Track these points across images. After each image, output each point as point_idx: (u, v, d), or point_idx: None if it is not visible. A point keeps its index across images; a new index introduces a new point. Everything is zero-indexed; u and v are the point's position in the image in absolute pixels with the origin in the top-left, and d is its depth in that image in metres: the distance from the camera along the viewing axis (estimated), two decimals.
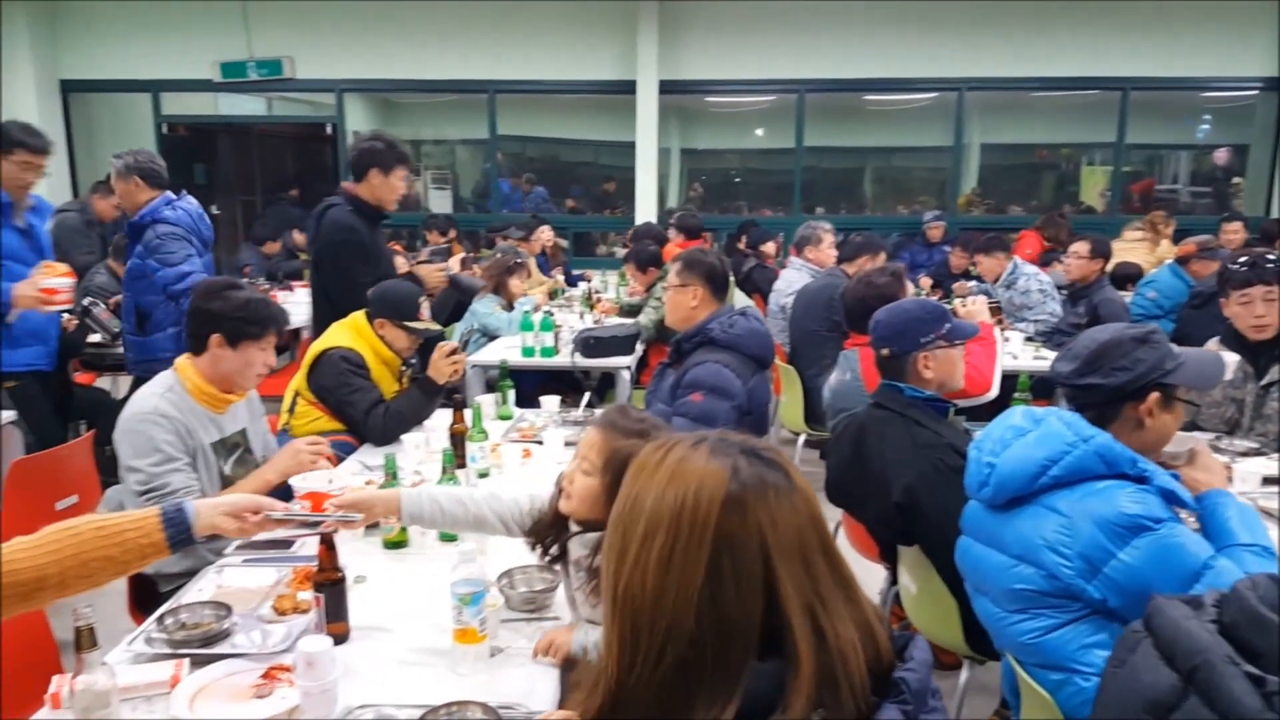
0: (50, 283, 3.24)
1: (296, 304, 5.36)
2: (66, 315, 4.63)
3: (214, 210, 10.22)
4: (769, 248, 6.54)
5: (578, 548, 1.69)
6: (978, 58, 8.13)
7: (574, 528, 1.69)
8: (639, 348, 4.60)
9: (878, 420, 2.33)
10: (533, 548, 1.76)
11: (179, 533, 1.56)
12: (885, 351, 2.35)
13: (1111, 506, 1.58)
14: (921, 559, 2.18)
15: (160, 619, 1.76)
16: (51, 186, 8.51)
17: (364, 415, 2.93)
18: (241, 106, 9.70)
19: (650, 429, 1.63)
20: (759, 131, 9.86)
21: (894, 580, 2.46)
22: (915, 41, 8.11)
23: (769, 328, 4.64)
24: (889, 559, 2.44)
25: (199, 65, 8.49)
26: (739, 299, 5.11)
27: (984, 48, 8.11)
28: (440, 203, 9.73)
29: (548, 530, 1.75)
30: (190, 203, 4.08)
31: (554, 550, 1.74)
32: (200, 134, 9.82)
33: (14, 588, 1.40)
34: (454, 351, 3.06)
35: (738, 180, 10.45)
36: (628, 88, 8.24)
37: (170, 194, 3.99)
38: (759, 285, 5.78)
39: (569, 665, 1.62)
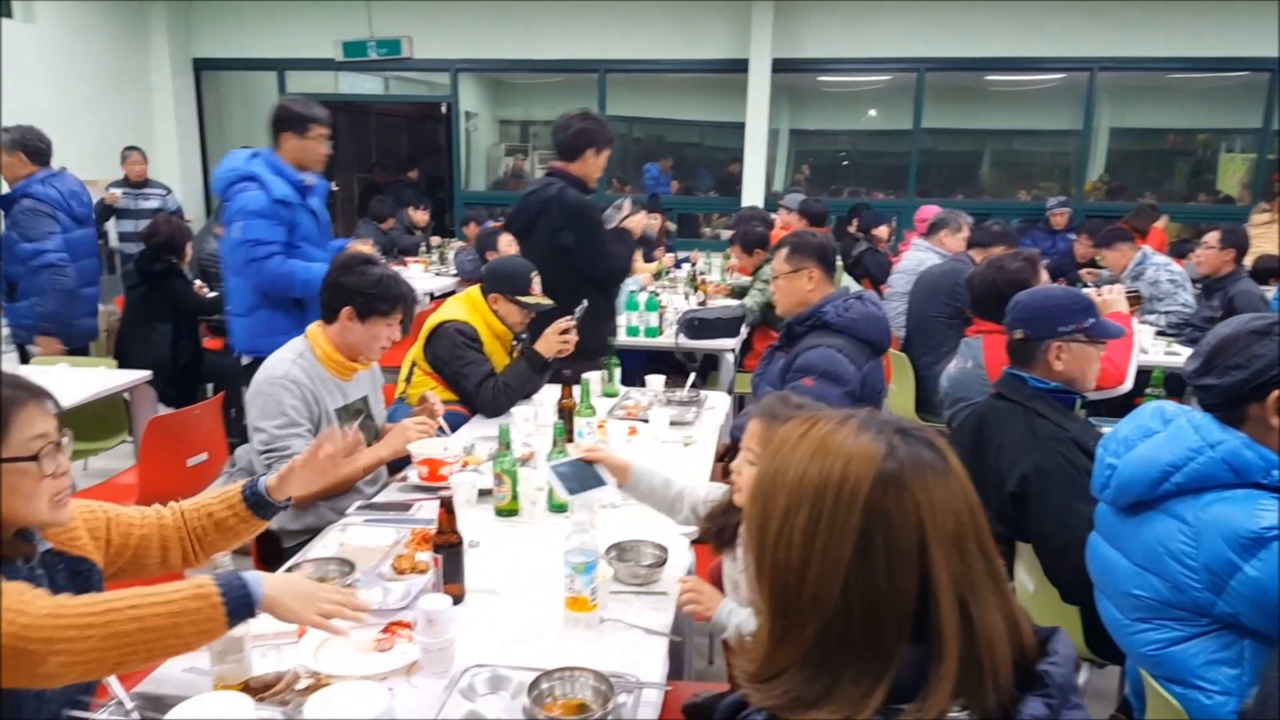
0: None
1: (411, 279, 5.51)
2: (198, 284, 4.90)
3: (333, 186, 10.63)
4: (881, 231, 6.38)
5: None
6: (1111, 36, 7.70)
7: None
8: (744, 330, 4.56)
9: (998, 411, 2.24)
10: (707, 537, 1.81)
11: (262, 506, 1.72)
12: (1019, 334, 2.23)
13: (1237, 517, 1.47)
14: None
15: (289, 571, 1.84)
16: (183, 161, 9.03)
17: (476, 387, 3.00)
18: (360, 86, 10.02)
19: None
20: (872, 112, 9.62)
21: (1009, 578, 2.38)
22: (1044, 19, 7.74)
23: (888, 310, 4.57)
24: (1006, 556, 2.36)
25: (322, 45, 8.80)
26: (846, 283, 5.00)
27: (1119, 25, 7.67)
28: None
29: (720, 518, 1.83)
30: (67, 180, 4.16)
31: (725, 537, 1.82)
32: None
33: (179, 543, 1.65)
34: (567, 330, 3.09)
35: (845, 163, 10.23)
36: (739, 66, 8.14)
37: (50, 170, 4.10)
38: (870, 269, 5.65)
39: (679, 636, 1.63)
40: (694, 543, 2.05)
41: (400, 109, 11.10)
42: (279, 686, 1.42)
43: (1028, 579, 2.20)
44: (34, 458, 1.31)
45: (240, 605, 1.31)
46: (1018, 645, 0.88)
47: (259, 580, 1.34)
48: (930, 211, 5.54)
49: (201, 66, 9.19)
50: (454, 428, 2.87)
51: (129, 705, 1.38)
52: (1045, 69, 8.26)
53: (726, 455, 2.95)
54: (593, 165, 3.54)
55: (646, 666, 1.55)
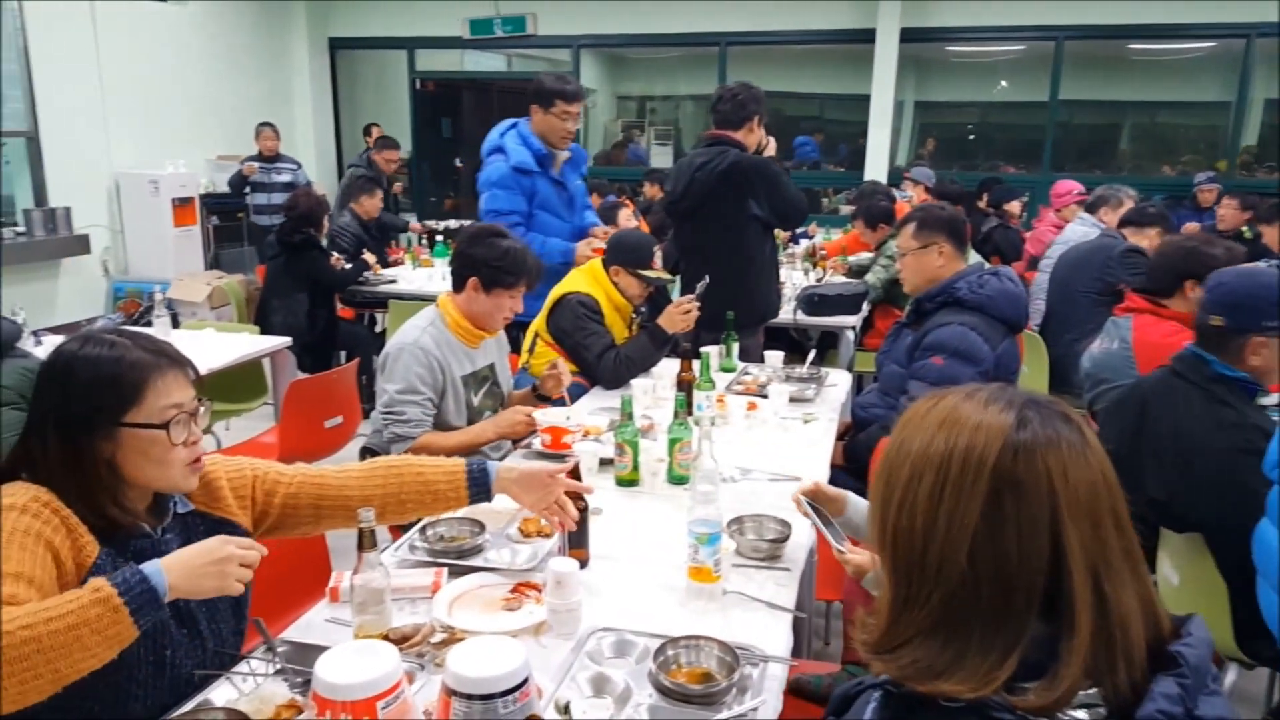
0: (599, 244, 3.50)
1: None
2: (335, 256, 5.13)
3: (457, 163, 10.92)
4: (1013, 207, 6.11)
5: None
6: None
7: None
8: (865, 307, 4.46)
9: (1171, 390, 2.10)
10: None
11: (479, 490, 1.74)
12: (1216, 321, 2.07)
13: None
14: (1191, 548, 1.98)
15: (422, 530, 1.92)
16: (318, 136, 9.42)
17: (596, 359, 3.03)
18: (484, 64, 10.22)
19: None
20: (1004, 83, 9.19)
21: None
22: None
23: (1038, 285, 4.40)
24: (1147, 544, 2.24)
25: (451, 23, 9.01)
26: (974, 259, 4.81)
27: None
28: (662, 158, 9.84)
29: None
30: None
31: None
32: (447, 89, 10.45)
33: (343, 505, 1.64)
34: (690, 308, 3.09)
35: (972, 136, 9.82)
36: (865, 37, 7.91)
37: None
38: (1000, 246, 5.43)
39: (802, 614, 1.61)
40: None
41: (522, 86, 11.26)
42: (416, 639, 1.49)
43: (1172, 572, 2.09)
44: (164, 426, 1.33)
45: (145, 601, 1.18)
46: (1153, 627, 0.85)
47: (159, 570, 1.21)
48: (1068, 186, 5.26)
49: (337, 46, 9.56)
50: (574, 398, 2.93)
51: (278, 649, 1.46)
52: (1196, 36, 7.70)
53: (848, 434, 2.91)
54: (756, 134, 3.54)
55: (771, 641, 1.54)
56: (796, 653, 1.87)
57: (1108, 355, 2.71)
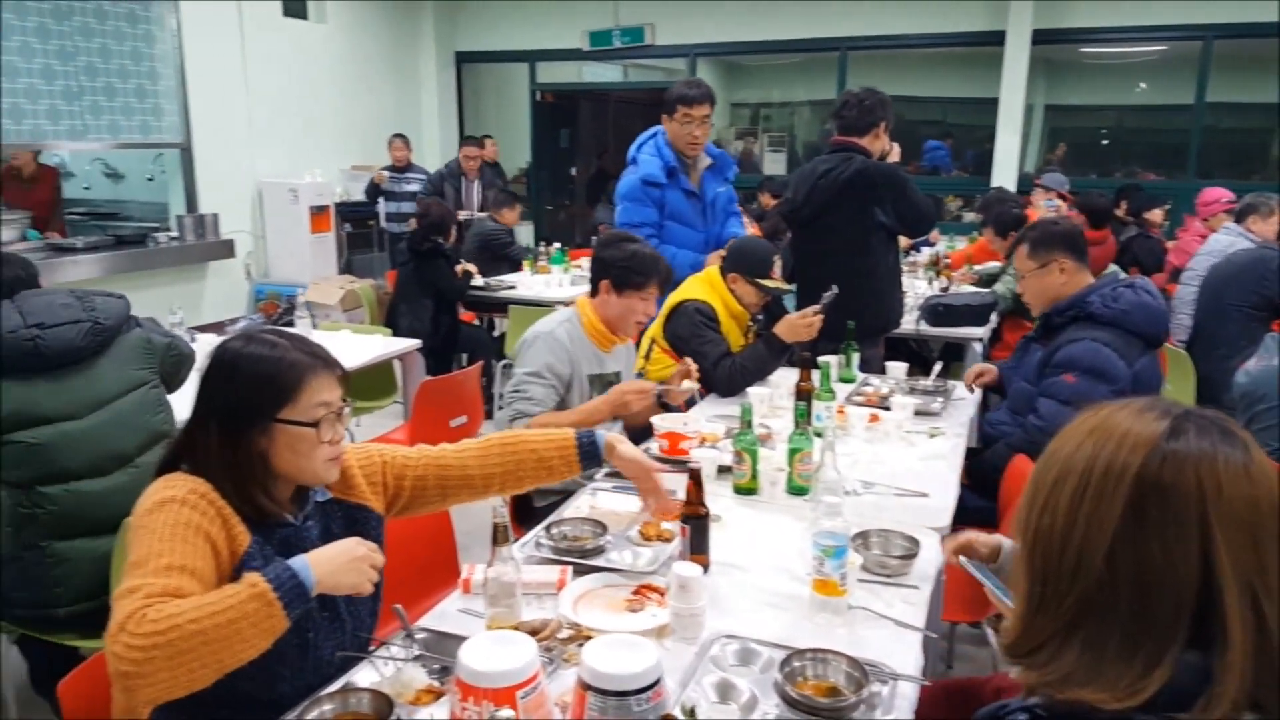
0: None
1: None
2: (461, 263, 5.32)
3: (573, 171, 11.13)
4: (1154, 215, 5.79)
5: None
6: None
7: None
8: (993, 318, 4.31)
9: None
10: None
11: (590, 457, 1.81)
12: None
13: None
14: None
15: (548, 528, 1.97)
16: (444, 148, 9.76)
17: (712, 366, 3.03)
18: (601, 74, 10.39)
19: None
20: (1143, 85, 8.73)
21: None
22: None
23: (1183, 298, 4.17)
24: None
25: (571, 36, 9.19)
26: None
27: None
28: (775, 165, 9.77)
29: None
30: None
31: None
32: (565, 100, 10.67)
33: (466, 483, 1.75)
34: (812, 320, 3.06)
35: (1106, 141, 9.35)
36: (994, 39, 7.66)
37: None
38: (1139, 257, 5.15)
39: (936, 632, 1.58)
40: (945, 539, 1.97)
41: (637, 96, 11.39)
42: (545, 633, 1.53)
43: None
44: (314, 424, 1.41)
45: (295, 595, 1.28)
46: None
47: (306, 565, 1.31)
48: (1216, 194, 4.96)
49: (462, 59, 9.89)
50: (690, 405, 2.94)
51: (416, 636, 1.53)
52: None
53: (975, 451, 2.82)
54: (881, 140, 3.49)
55: (900, 660, 1.51)
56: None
57: (1265, 373, 2.54)
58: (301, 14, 8.22)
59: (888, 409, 2.79)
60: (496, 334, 5.93)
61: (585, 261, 6.50)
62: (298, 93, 8.06)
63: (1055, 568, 0.87)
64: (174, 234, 6.98)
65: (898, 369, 3.26)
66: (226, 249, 7.24)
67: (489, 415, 4.54)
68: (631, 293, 2.54)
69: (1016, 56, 7.58)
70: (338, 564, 1.34)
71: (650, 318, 2.63)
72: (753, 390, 2.94)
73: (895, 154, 3.55)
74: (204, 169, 7.29)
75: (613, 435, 1.86)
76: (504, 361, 5.27)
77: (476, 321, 5.88)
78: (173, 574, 1.26)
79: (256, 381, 1.41)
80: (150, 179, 7.64)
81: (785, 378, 3.07)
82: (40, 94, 6.15)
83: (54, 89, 6.23)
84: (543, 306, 5.27)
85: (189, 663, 1.18)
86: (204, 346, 3.46)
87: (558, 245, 6.30)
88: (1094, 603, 0.85)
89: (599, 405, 2.52)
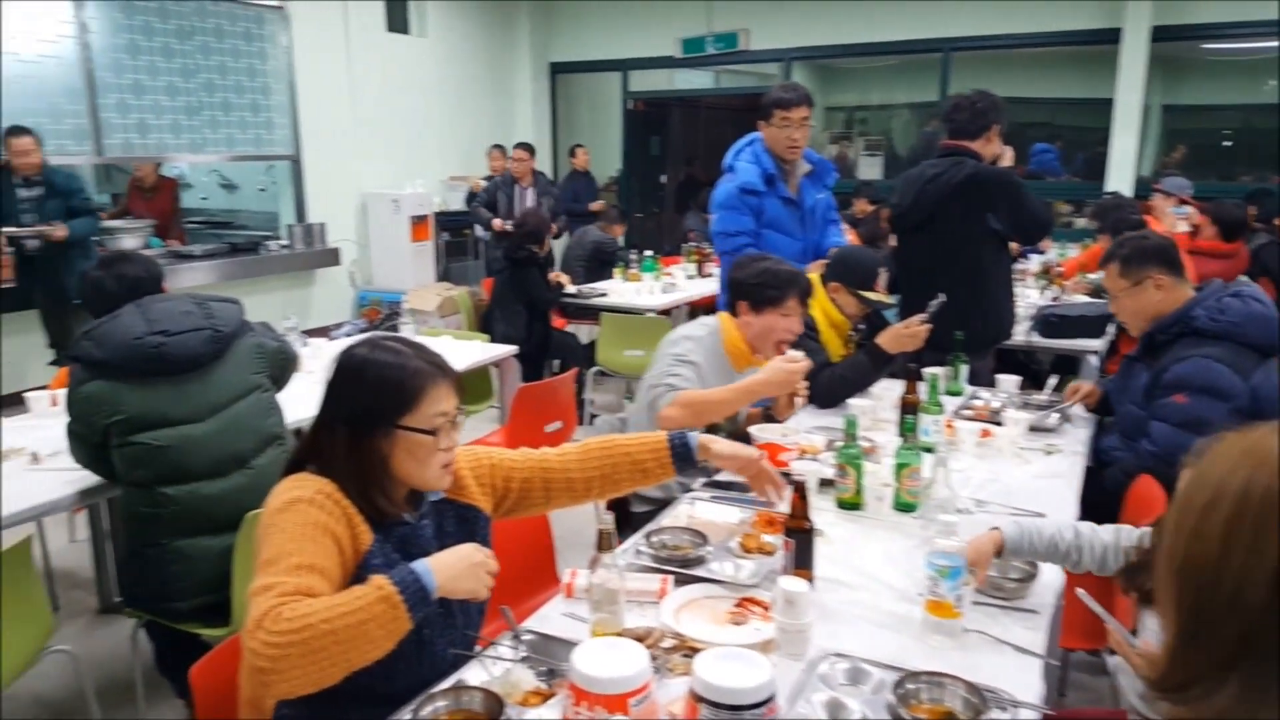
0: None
1: None
2: (555, 272, 5.41)
3: (662, 179, 11.16)
4: None
5: None
6: None
7: None
8: (1110, 330, 4.12)
9: None
10: (1126, 590, 1.64)
11: (683, 458, 1.78)
12: None
13: None
14: None
15: (647, 536, 1.96)
16: (537, 154, 9.91)
17: (811, 377, 2.98)
18: (693, 81, 10.39)
19: None
20: (1271, 82, 8.23)
21: None
22: None
23: None
24: None
25: (663, 43, 9.23)
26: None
27: None
28: (871, 169, 9.59)
29: (1147, 570, 1.60)
30: None
31: (1147, 588, 1.61)
32: (656, 108, 10.71)
33: (567, 486, 1.76)
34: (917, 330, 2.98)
35: (1229, 143, 8.85)
36: (1109, 37, 7.35)
37: None
38: (1269, 266, 4.85)
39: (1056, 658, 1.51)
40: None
41: (729, 102, 11.35)
42: (648, 641, 1.51)
43: None
44: (433, 432, 1.45)
45: (418, 598, 1.32)
46: None
47: (428, 569, 1.35)
48: None
49: (557, 70, 10.03)
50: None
51: (523, 636, 1.54)
52: None
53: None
54: (994, 145, 3.38)
55: (1019, 687, 1.44)
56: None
57: None
58: (404, 29, 8.48)
59: (999, 424, 2.68)
60: (587, 341, 5.98)
61: (676, 269, 6.53)
62: (400, 105, 8.31)
63: (1209, 600, 0.81)
64: (284, 242, 7.28)
65: (1009, 382, 3.13)
66: (332, 257, 7.51)
67: (581, 420, 4.58)
68: (770, 310, 2.49)
69: (1134, 55, 7.25)
70: (458, 569, 1.38)
71: (794, 335, 2.54)
72: (854, 402, 2.88)
73: (1008, 158, 3.43)
74: (312, 180, 7.59)
75: (705, 436, 1.82)
76: (595, 368, 5.30)
77: (569, 328, 5.94)
78: (303, 573, 1.31)
79: (382, 387, 1.45)
80: (262, 189, 8.00)
81: (888, 390, 3.00)
82: (164, 109, 6.51)
83: (176, 105, 6.59)
84: (635, 314, 5.31)
85: (320, 661, 1.23)
86: (314, 351, 3.61)
87: (649, 253, 6.31)
88: (1255, 639, 0.78)
89: (751, 383, 2.39)
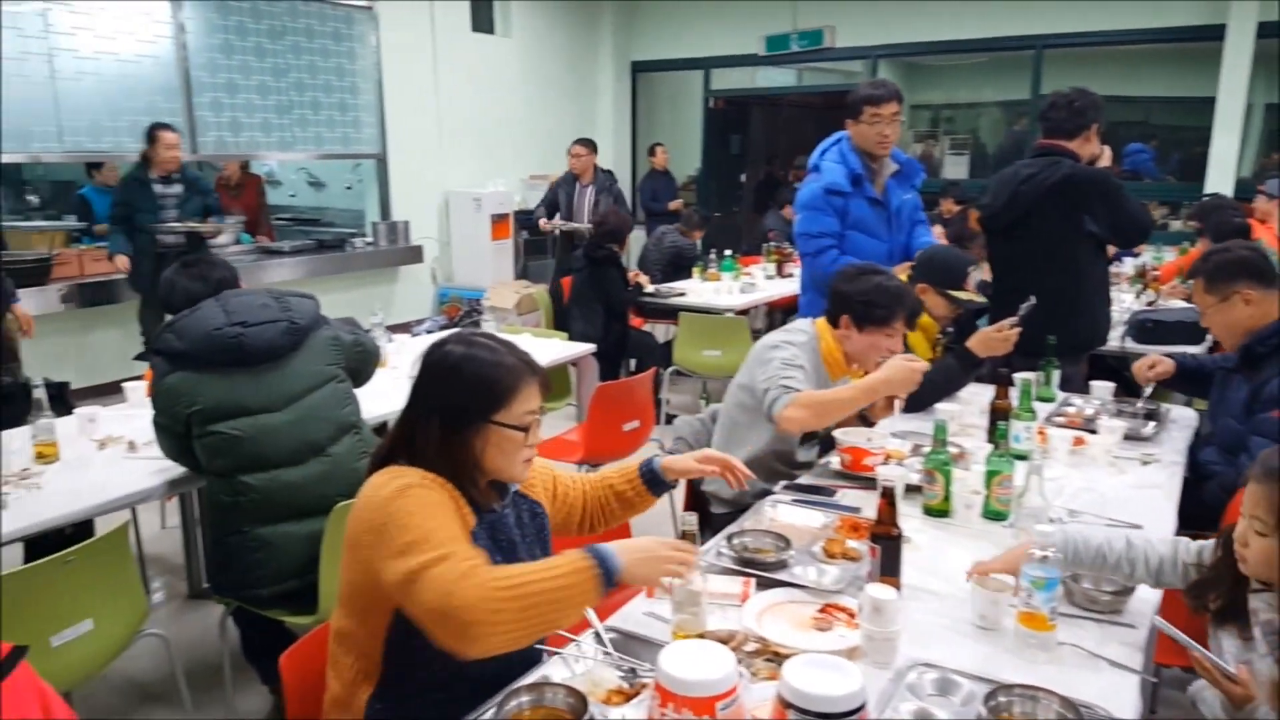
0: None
1: None
2: (634, 271, 5.41)
3: (742, 177, 11.09)
4: None
5: (1265, 610, 1.50)
6: None
7: (1255, 585, 1.52)
8: (1209, 336, 3.93)
9: None
10: (1195, 609, 1.60)
11: (654, 482, 1.84)
12: None
13: None
14: None
15: (729, 538, 1.94)
16: (617, 157, 9.95)
17: None
18: (775, 79, 10.30)
19: None
20: None
21: None
22: None
23: None
24: None
25: (747, 41, 9.16)
26: None
27: None
28: (956, 168, 9.37)
29: (1214, 587, 1.58)
30: None
31: (1214, 606, 1.58)
32: (737, 106, 10.64)
33: (579, 518, 1.83)
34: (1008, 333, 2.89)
35: None
36: (1211, 34, 7.02)
37: None
38: None
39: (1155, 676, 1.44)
40: None
41: (810, 100, 11.22)
42: (732, 645, 1.49)
43: None
44: (524, 429, 1.50)
45: (608, 575, 1.37)
46: None
47: (613, 552, 1.40)
48: None
49: (638, 69, 10.06)
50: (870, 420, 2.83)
51: (605, 636, 1.53)
52: None
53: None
54: (1092, 144, 3.26)
55: (1115, 703, 1.39)
56: None
57: None
58: (489, 29, 8.61)
59: (1093, 431, 2.59)
60: (663, 340, 5.97)
61: (755, 269, 6.47)
62: (483, 105, 8.44)
63: None
64: (369, 239, 7.47)
65: (1103, 389, 3.02)
66: (415, 254, 7.67)
67: (658, 420, 4.57)
68: (874, 329, 2.39)
69: (1239, 52, 6.91)
70: (640, 557, 1.44)
71: (895, 354, 2.44)
72: (940, 406, 2.80)
73: (1106, 158, 3.30)
74: (397, 178, 7.76)
75: (667, 458, 1.85)
76: (672, 368, 5.29)
77: (645, 327, 5.94)
78: (461, 542, 1.38)
79: (477, 384, 1.49)
80: (348, 187, 8.21)
81: (975, 394, 2.93)
82: (256, 108, 6.73)
83: (267, 104, 6.81)
84: (712, 314, 5.28)
85: (529, 619, 1.30)
86: (397, 347, 3.69)
87: (728, 252, 6.27)
88: None
89: (877, 379, 2.29)
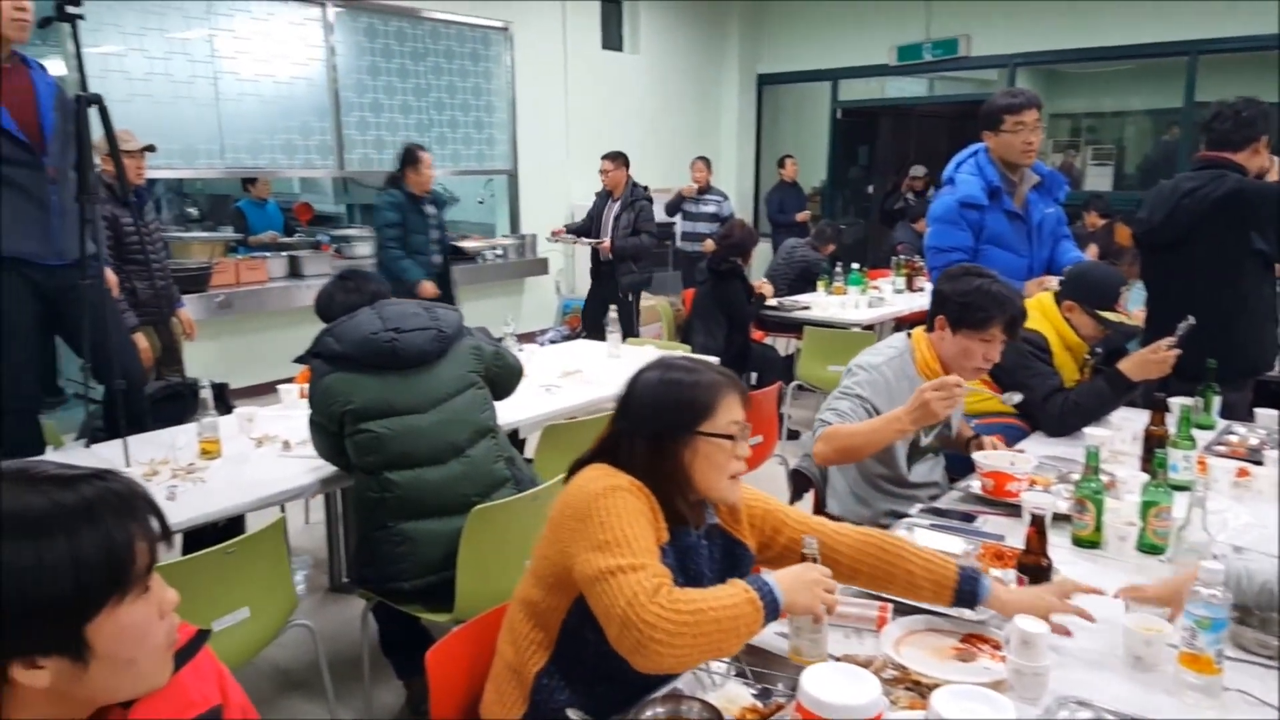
0: (1054, 283, 3.11)
1: None
2: (761, 281, 5.37)
3: (869, 189, 10.87)
4: None
5: None
6: None
7: None
8: None
9: None
10: None
11: (966, 599, 1.63)
12: None
13: None
14: None
15: None
16: (739, 170, 9.94)
17: (1042, 401, 2.80)
18: (905, 89, 10.07)
19: None
20: None
21: None
22: None
23: None
24: None
25: (876, 51, 9.01)
26: None
27: None
28: (1099, 180, 8.92)
29: None
30: None
31: None
32: (865, 117, 10.46)
33: (832, 564, 1.62)
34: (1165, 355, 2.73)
35: None
36: None
37: None
38: None
39: None
40: None
41: (941, 109, 10.92)
42: (870, 671, 1.46)
43: None
44: (731, 437, 1.51)
45: (772, 609, 1.37)
46: None
47: (775, 583, 1.39)
48: None
49: (764, 81, 10.03)
50: (1011, 442, 2.72)
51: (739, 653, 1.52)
52: None
53: None
54: (1261, 157, 3.06)
55: None
56: None
57: None
58: (618, 46, 8.76)
59: (1259, 463, 2.41)
60: (785, 354, 5.91)
61: (883, 283, 6.33)
62: (609, 120, 8.59)
63: None
64: (499, 251, 7.70)
65: (1269, 417, 2.80)
66: (541, 266, 7.87)
67: (780, 435, 4.53)
68: (969, 332, 2.31)
69: None
70: (796, 585, 1.42)
71: (990, 363, 2.37)
72: (1089, 431, 2.65)
73: (1276, 172, 3.07)
74: (526, 193, 7.98)
75: (999, 585, 1.66)
76: (795, 383, 5.23)
77: (766, 340, 5.89)
78: (653, 556, 1.40)
79: (680, 398, 1.53)
80: (480, 202, 8.50)
81: (1127, 420, 2.78)
82: (398, 127, 7.06)
83: (409, 122, 7.13)
84: (839, 328, 5.19)
85: (702, 644, 1.31)
86: (527, 356, 3.77)
87: (855, 265, 6.15)
88: None
89: (899, 415, 2.18)
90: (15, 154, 2.74)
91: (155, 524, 0.94)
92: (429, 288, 5.17)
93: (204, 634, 1.06)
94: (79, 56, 2.70)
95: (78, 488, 0.89)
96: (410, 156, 5.19)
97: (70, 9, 2.58)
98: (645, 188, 6.59)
